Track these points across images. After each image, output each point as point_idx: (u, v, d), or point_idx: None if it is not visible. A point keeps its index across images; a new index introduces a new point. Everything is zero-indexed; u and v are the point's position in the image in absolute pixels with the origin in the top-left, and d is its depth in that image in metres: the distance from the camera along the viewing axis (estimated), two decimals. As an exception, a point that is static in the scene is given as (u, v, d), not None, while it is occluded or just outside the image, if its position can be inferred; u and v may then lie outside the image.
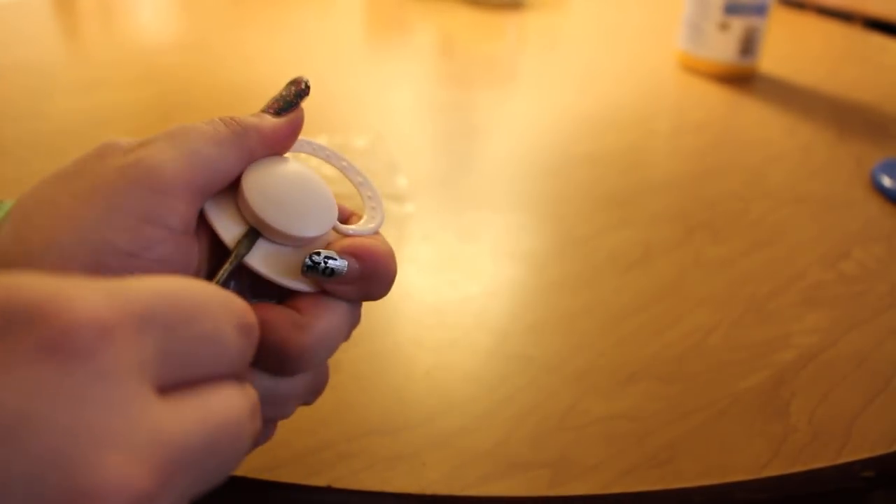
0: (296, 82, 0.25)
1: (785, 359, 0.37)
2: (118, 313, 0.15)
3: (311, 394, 0.25)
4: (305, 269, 0.22)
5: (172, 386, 0.16)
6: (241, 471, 0.28)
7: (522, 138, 0.63)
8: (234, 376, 0.18)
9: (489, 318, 0.39)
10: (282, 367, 0.22)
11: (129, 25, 0.93)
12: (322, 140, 0.55)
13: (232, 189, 0.23)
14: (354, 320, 0.24)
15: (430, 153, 0.59)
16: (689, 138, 0.65)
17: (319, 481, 0.28)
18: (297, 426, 0.25)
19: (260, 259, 0.23)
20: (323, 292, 0.23)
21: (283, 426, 0.25)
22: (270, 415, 0.23)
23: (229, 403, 0.17)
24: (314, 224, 0.23)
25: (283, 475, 0.29)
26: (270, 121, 0.24)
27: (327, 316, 0.23)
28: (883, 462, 0.31)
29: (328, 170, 0.28)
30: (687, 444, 0.31)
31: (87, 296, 0.14)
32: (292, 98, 0.25)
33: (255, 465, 0.29)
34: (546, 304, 0.40)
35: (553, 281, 0.43)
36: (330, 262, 0.22)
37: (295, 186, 0.24)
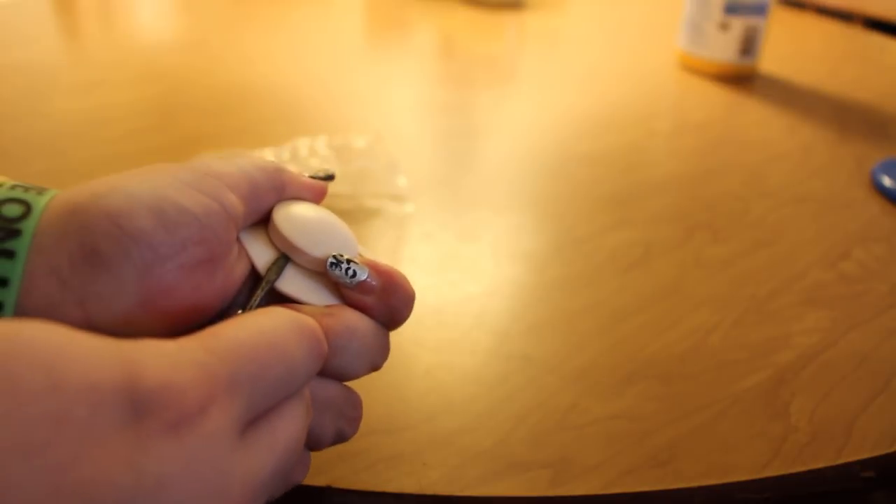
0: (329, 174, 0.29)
1: (785, 359, 0.37)
2: (212, 388, 0.18)
3: (343, 418, 0.26)
4: (329, 266, 0.24)
5: (254, 418, 0.19)
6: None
7: (522, 138, 0.63)
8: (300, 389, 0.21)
9: (489, 318, 0.39)
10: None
11: (129, 25, 0.93)
12: (322, 140, 0.55)
13: (263, 225, 0.26)
14: (382, 343, 0.26)
15: (430, 153, 0.59)
16: (689, 138, 0.65)
17: (319, 481, 0.28)
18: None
19: (289, 283, 0.25)
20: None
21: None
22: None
23: (291, 423, 0.21)
24: (339, 249, 0.26)
25: (283, 475, 0.29)
26: (302, 175, 0.28)
27: (355, 315, 0.25)
28: (883, 462, 0.31)
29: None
30: (687, 444, 0.31)
31: (188, 378, 0.18)
32: (321, 175, 0.29)
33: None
34: (546, 304, 0.40)
35: (553, 281, 0.43)
36: (352, 264, 0.25)
37: (320, 219, 0.27)
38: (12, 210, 0.21)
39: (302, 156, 0.52)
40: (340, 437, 0.26)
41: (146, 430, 0.16)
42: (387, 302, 0.25)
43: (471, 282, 0.42)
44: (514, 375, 0.35)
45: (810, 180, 0.57)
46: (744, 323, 0.40)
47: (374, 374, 0.34)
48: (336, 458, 0.29)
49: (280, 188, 0.27)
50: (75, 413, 0.16)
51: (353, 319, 0.24)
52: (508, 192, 0.53)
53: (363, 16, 1.04)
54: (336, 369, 0.24)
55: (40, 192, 0.22)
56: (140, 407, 0.17)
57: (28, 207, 0.21)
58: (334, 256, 0.24)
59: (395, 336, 0.37)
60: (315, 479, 0.28)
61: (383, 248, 0.45)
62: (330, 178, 0.29)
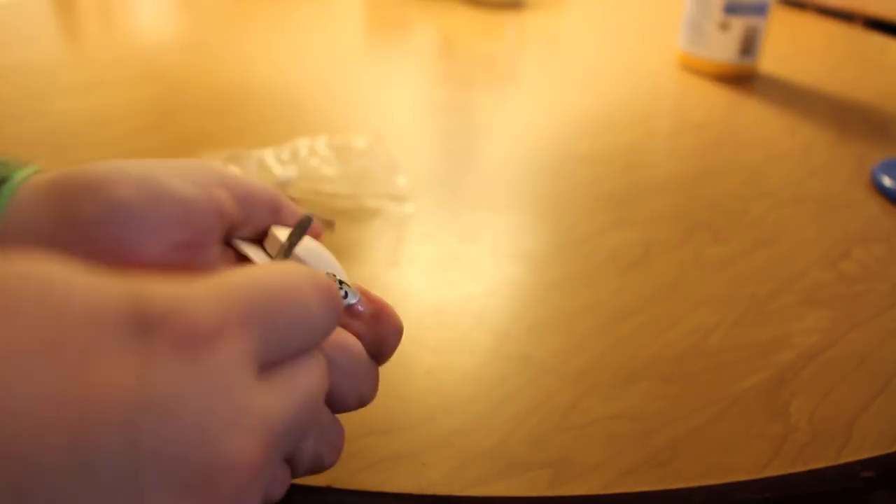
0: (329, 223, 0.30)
1: (785, 359, 0.37)
2: (226, 315, 0.17)
3: (324, 456, 0.25)
4: None
5: (270, 363, 0.19)
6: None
7: (522, 138, 0.63)
8: (322, 339, 0.21)
9: (489, 318, 0.39)
10: None
11: (129, 25, 0.93)
12: (322, 140, 0.55)
13: (258, 242, 0.27)
14: (372, 373, 0.26)
15: (430, 153, 0.59)
16: (689, 138, 0.65)
17: (319, 481, 0.28)
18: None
19: None
20: None
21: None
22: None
23: (311, 374, 0.20)
24: (336, 270, 0.26)
25: (282, 475, 0.28)
26: (287, 200, 0.28)
27: (347, 334, 0.25)
28: (883, 462, 0.31)
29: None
30: (687, 444, 0.31)
31: (200, 304, 0.17)
32: (322, 218, 0.30)
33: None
34: (546, 304, 0.40)
35: (553, 281, 0.42)
36: (345, 286, 0.25)
37: (315, 245, 0.27)
38: None
39: (302, 156, 0.52)
40: (318, 464, 0.25)
41: (155, 349, 0.16)
42: (375, 330, 0.25)
43: (471, 282, 0.42)
44: (514, 375, 0.35)
45: (810, 180, 0.57)
46: (744, 323, 0.40)
47: (373, 374, 0.34)
48: (336, 459, 0.29)
49: (276, 209, 0.27)
50: (77, 333, 0.15)
51: (344, 338, 0.24)
52: (508, 192, 0.53)
53: (363, 16, 1.04)
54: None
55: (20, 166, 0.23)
56: (147, 327, 0.16)
57: (7, 171, 0.22)
58: (327, 276, 0.24)
59: (395, 336, 0.37)
60: (315, 479, 0.28)
61: (383, 248, 0.45)
62: (330, 224, 0.29)
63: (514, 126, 0.66)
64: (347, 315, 0.25)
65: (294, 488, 0.28)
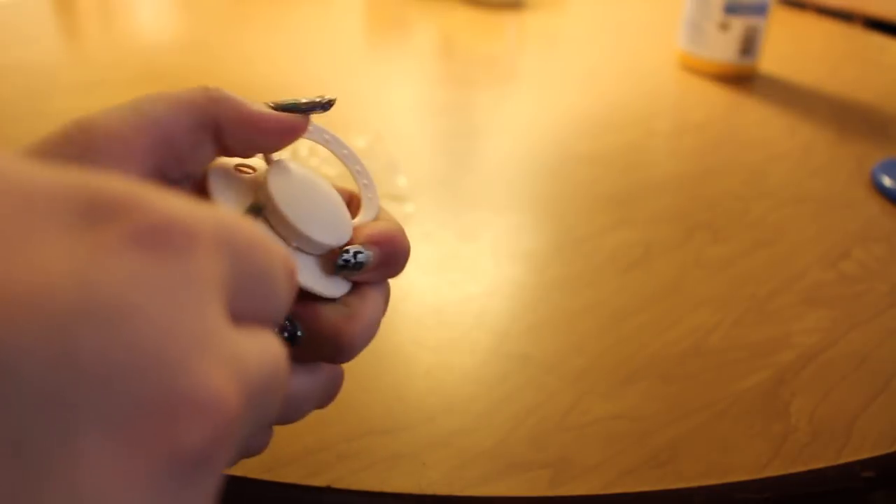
0: (321, 98, 0.25)
1: (785, 359, 0.37)
2: (201, 221, 0.14)
3: (327, 397, 0.25)
4: (338, 267, 0.23)
5: (234, 315, 0.15)
6: (240, 471, 0.28)
7: (522, 138, 0.63)
8: (276, 323, 0.17)
9: (489, 318, 0.39)
10: (336, 356, 0.23)
11: (129, 25, 0.93)
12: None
13: (243, 190, 0.23)
14: (387, 295, 0.26)
15: (430, 153, 0.59)
16: (689, 138, 0.65)
17: (319, 481, 0.28)
18: (298, 426, 0.25)
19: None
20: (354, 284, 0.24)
21: (283, 426, 0.25)
22: (289, 416, 0.23)
23: (277, 347, 0.16)
24: (340, 232, 0.24)
25: (283, 475, 0.29)
26: (257, 107, 0.23)
27: (370, 303, 0.24)
28: (883, 462, 0.31)
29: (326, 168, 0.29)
30: (687, 444, 0.31)
31: (171, 201, 0.13)
32: (303, 105, 0.24)
33: (255, 465, 0.29)
34: (546, 304, 0.40)
35: (553, 281, 0.42)
36: (359, 256, 0.23)
37: (317, 196, 0.24)
38: None
39: (302, 156, 0.52)
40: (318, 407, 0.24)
41: (105, 239, 0.12)
42: (387, 269, 0.25)
43: (471, 282, 0.42)
44: (514, 375, 0.35)
45: (810, 180, 0.57)
46: (744, 323, 0.40)
47: (374, 374, 0.34)
48: (335, 459, 0.29)
49: (210, 123, 0.22)
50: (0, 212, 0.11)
51: (371, 313, 0.24)
52: (508, 192, 0.53)
53: (363, 16, 1.04)
54: (346, 360, 0.23)
55: None
56: (99, 214, 0.12)
57: None
58: (342, 257, 0.23)
59: (395, 336, 0.37)
60: (315, 479, 0.28)
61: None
62: (316, 106, 0.25)
63: (514, 126, 0.66)
64: (361, 274, 0.24)
65: (294, 488, 0.28)
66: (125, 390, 0.11)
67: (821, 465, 0.31)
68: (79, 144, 0.20)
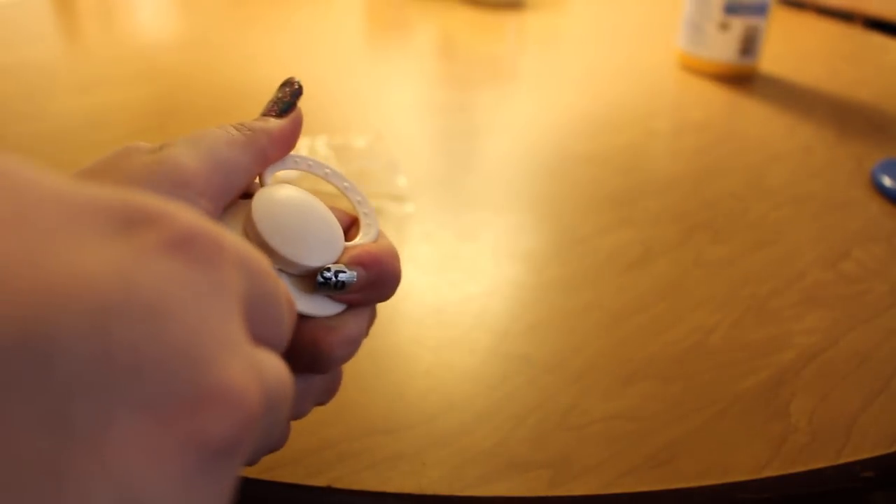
0: (289, 83, 0.26)
1: (785, 359, 0.37)
2: (224, 240, 0.15)
3: (326, 393, 0.25)
4: (318, 285, 0.23)
5: (249, 335, 0.16)
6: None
7: (522, 138, 0.63)
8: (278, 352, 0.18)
9: (489, 318, 0.39)
10: (313, 366, 0.23)
11: (130, 24, 0.93)
12: (322, 140, 0.55)
13: (237, 216, 0.24)
14: (373, 317, 0.26)
15: (430, 153, 0.59)
16: (689, 138, 0.65)
17: (319, 481, 0.28)
18: (297, 426, 0.25)
19: None
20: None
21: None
22: (289, 413, 0.23)
23: (285, 368, 0.17)
24: (324, 253, 0.24)
25: (283, 475, 0.29)
26: (275, 122, 0.25)
27: (352, 320, 0.24)
28: (883, 462, 0.31)
29: (326, 185, 0.29)
30: (687, 444, 0.31)
31: (198, 217, 0.14)
32: (289, 99, 0.26)
33: (254, 466, 0.29)
34: (546, 304, 0.40)
35: (553, 281, 0.42)
36: (340, 275, 0.23)
37: (304, 216, 0.24)
38: None
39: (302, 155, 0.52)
40: (319, 404, 0.25)
41: (143, 243, 0.13)
42: (374, 292, 0.25)
43: (471, 282, 0.42)
44: (514, 375, 0.35)
45: (810, 180, 0.57)
46: (744, 323, 0.40)
47: (374, 374, 0.34)
48: (336, 458, 0.29)
49: (260, 158, 0.24)
50: (44, 213, 0.12)
51: (352, 328, 0.24)
52: (508, 192, 0.53)
53: (363, 16, 1.04)
54: (329, 371, 0.24)
55: None
56: (135, 223, 0.13)
57: None
58: (322, 275, 0.23)
59: (396, 336, 0.37)
60: (315, 479, 0.28)
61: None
62: (297, 93, 0.26)
63: (514, 126, 0.66)
64: (346, 294, 0.24)
65: (294, 488, 0.28)
66: (157, 380, 0.12)
67: (820, 465, 0.31)
68: (170, 180, 0.21)
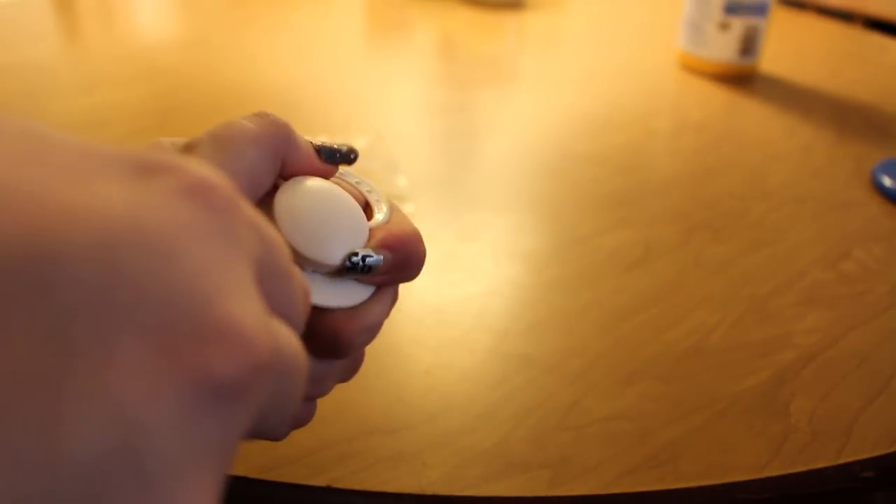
0: (352, 150, 0.26)
1: (785, 359, 0.37)
2: (239, 198, 0.15)
3: (349, 371, 0.25)
4: (345, 269, 0.23)
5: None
6: (241, 470, 0.28)
7: (522, 138, 0.63)
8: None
9: (489, 318, 0.39)
10: (334, 353, 0.23)
11: (130, 24, 0.93)
12: (322, 140, 0.55)
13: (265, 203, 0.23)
14: (394, 299, 0.26)
15: (430, 153, 0.59)
16: (689, 138, 0.65)
17: (319, 481, 0.28)
18: (297, 426, 0.26)
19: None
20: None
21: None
22: (311, 392, 0.24)
23: (296, 341, 0.16)
24: (351, 243, 0.24)
25: (283, 475, 0.29)
26: (310, 153, 0.24)
27: (374, 304, 0.24)
28: (883, 462, 0.31)
29: None
30: (687, 444, 0.31)
31: (216, 172, 0.15)
32: (338, 155, 0.26)
33: (255, 465, 0.29)
34: (546, 304, 0.40)
35: (553, 281, 0.43)
36: (368, 259, 0.23)
37: (327, 209, 0.24)
38: None
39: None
40: (342, 381, 0.26)
41: (156, 186, 0.13)
42: (400, 274, 0.25)
43: (471, 282, 0.42)
44: (514, 375, 0.35)
45: (810, 180, 0.57)
46: (744, 323, 0.40)
47: (374, 374, 0.34)
48: (336, 458, 0.29)
49: (278, 166, 0.24)
50: (61, 153, 0.13)
51: (374, 314, 0.24)
52: (508, 192, 0.53)
53: (363, 16, 1.04)
54: (350, 356, 0.24)
55: None
56: (151, 169, 0.14)
57: None
58: (349, 260, 0.23)
59: (395, 336, 0.37)
60: (315, 478, 0.28)
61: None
62: (347, 158, 0.26)
63: (513, 126, 0.66)
64: (372, 277, 0.24)
65: (294, 488, 0.28)
66: (161, 312, 0.12)
67: (821, 465, 0.31)
68: None
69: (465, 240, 0.46)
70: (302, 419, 0.24)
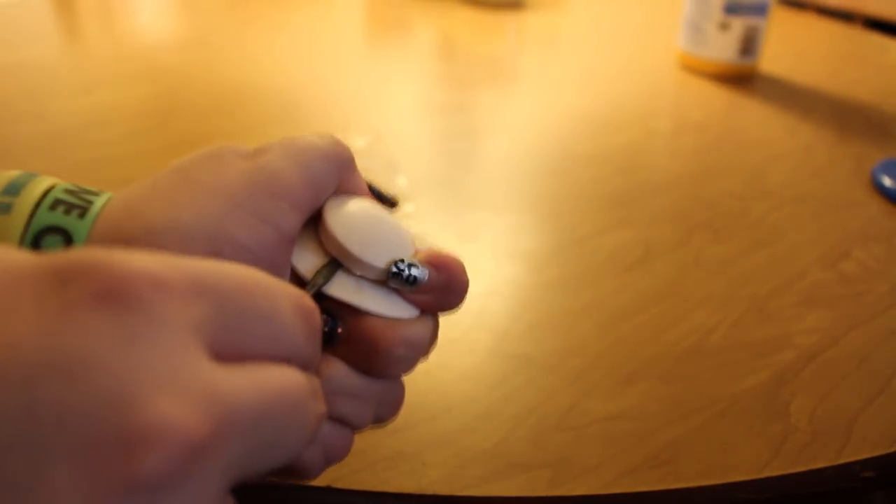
0: (395, 197, 0.27)
1: (785, 359, 0.37)
2: (172, 272, 0.15)
3: (386, 406, 0.25)
4: (391, 276, 0.23)
5: (229, 356, 0.16)
6: (241, 471, 0.28)
7: (522, 138, 0.63)
8: (298, 363, 0.18)
9: (489, 318, 0.39)
10: (371, 361, 0.23)
11: (130, 24, 0.93)
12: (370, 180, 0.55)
13: (308, 226, 0.24)
14: (435, 334, 0.25)
15: (430, 153, 0.59)
16: (689, 138, 0.65)
17: (319, 481, 0.28)
18: (297, 426, 0.26)
19: (338, 287, 0.23)
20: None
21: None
22: (347, 412, 0.23)
23: (287, 378, 0.17)
24: (398, 253, 0.24)
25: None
26: (361, 181, 0.25)
27: (416, 322, 0.24)
28: (883, 462, 0.31)
29: None
30: (687, 444, 0.31)
31: (141, 257, 0.15)
32: (382, 197, 0.26)
33: (314, 479, 0.29)
34: (546, 304, 0.40)
35: (553, 281, 0.42)
36: (413, 269, 0.23)
37: (374, 219, 0.25)
38: (51, 241, 0.20)
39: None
40: (379, 421, 0.25)
41: (70, 300, 0.14)
42: (443, 297, 0.25)
43: (471, 282, 0.42)
44: (514, 375, 0.35)
45: (810, 180, 0.57)
46: (744, 323, 0.40)
47: (374, 374, 0.34)
48: (336, 458, 0.29)
49: (338, 182, 0.24)
50: None
51: (414, 330, 0.24)
52: (508, 192, 0.53)
53: (363, 16, 1.04)
54: (387, 374, 0.24)
55: (82, 213, 0.21)
56: (66, 277, 0.14)
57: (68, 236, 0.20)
58: (396, 265, 0.23)
59: (395, 336, 0.37)
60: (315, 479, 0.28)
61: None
62: (389, 202, 0.27)
63: (513, 126, 0.66)
64: (416, 292, 0.24)
65: (294, 488, 0.28)
66: (82, 430, 0.13)
67: (821, 465, 0.31)
68: (269, 190, 0.22)
69: (465, 240, 0.46)
70: (335, 454, 0.24)
